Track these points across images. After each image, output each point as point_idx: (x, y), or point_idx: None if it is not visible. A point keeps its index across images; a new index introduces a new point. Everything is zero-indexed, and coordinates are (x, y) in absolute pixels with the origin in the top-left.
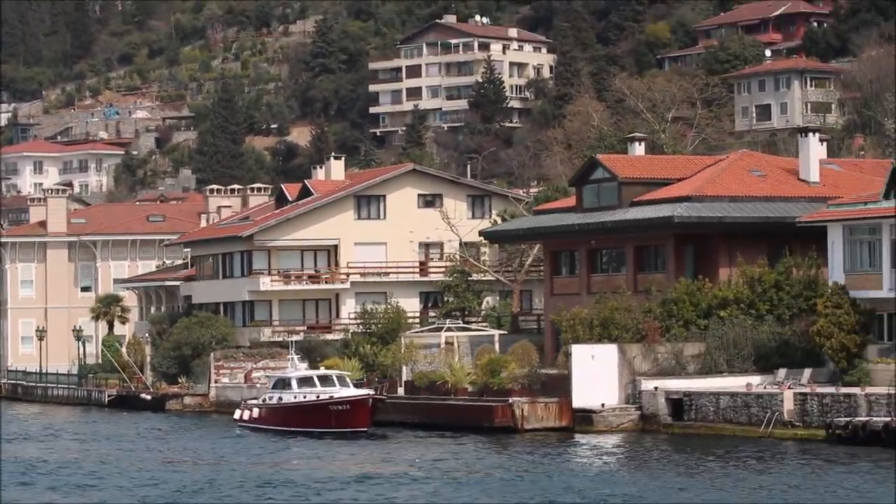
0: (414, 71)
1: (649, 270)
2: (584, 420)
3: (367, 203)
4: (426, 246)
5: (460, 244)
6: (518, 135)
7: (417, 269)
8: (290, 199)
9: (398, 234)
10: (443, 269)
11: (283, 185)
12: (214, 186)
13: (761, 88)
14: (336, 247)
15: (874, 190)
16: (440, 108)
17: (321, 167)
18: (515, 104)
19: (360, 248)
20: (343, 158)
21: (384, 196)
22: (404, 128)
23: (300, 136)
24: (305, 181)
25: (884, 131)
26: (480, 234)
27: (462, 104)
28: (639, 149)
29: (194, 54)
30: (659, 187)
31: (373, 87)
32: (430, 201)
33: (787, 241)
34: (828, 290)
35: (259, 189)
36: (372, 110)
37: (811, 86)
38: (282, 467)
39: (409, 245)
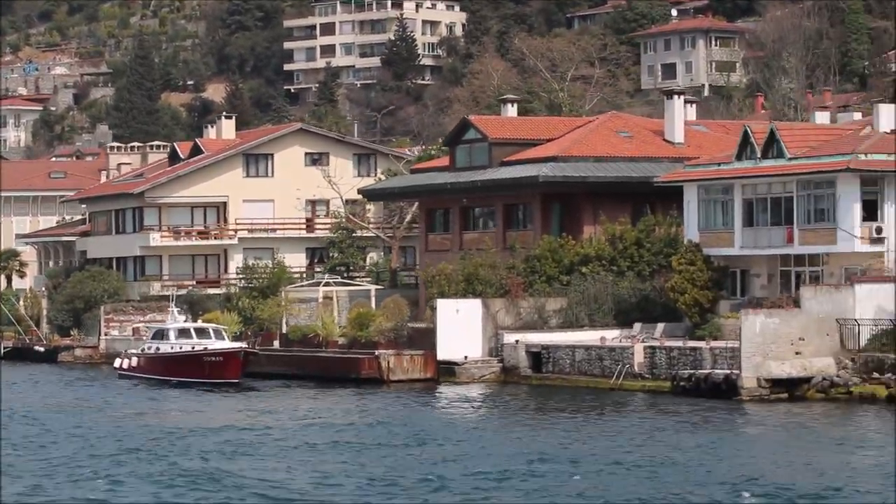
0: (328, 28)
1: (518, 228)
2: (448, 372)
3: (256, 161)
4: (313, 203)
5: (343, 202)
6: (429, 92)
7: (304, 226)
8: (182, 157)
9: (286, 192)
10: (328, 226)
11: (175, 144)
12: (115, 144)
13: (667, 48)
14: (225, 204)
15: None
16: (353, 66)
17: (213, 126)
18: (428, 62)
19: (249, 205)
20: (234, 118)
21: (272, 154)
22: (317, 85)
23: (216, 92)
24: (196, 140)
25: (780, 90)
26: (359, 192)
27: (375, 62)
28: (511, 110)
29: (113, 11)
30: (529, 148)
31: (287, 45)
32: (316, 159)
33: (649, 200)
34: (683, 248)
35: (159, 146)
36: (286, 67)
37: (716, 45)
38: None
39: (296, 202)
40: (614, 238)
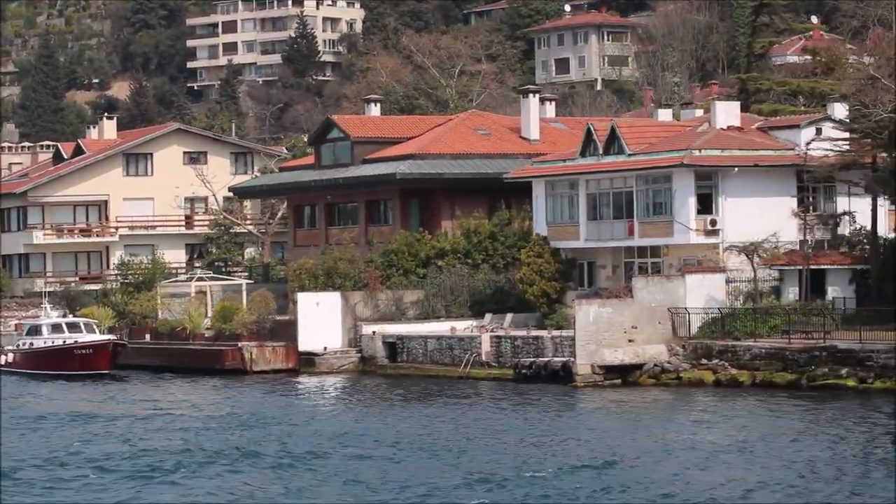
0: (230, 26)
1: (380, 223)
2: (309, 362)
3: (136, 161)
4: (191, 201)
5: (215, 199)
6: (329, 88)
7: (183, 223)
8: (65, 157)
9: (165, 190)
10: (207, 223)
11: (58, 144)
12: (6, 144)
13: (560, 42)
14: (106, 202)
15: None
16: (255, 63)
17: (94, 127)
18: (328, 58)
19: (129, 203)
20: (115, 119)
21: (151, 154)
22: (219, 82)
23: (120, 90)
24: (79, 140)
25: (666, 84)
26: (230, 189)
27: (276, 59)
28: (374, 110)
29: (20, 11)
30: (390, 146)
31: (190, 43)
32: (194, 158)
33: (505, 195)
34: (531, 241)
35: (49, 146)
36: (189, 65)
37: (608, 40)
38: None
39: (175, 200)
40: (469, 232)
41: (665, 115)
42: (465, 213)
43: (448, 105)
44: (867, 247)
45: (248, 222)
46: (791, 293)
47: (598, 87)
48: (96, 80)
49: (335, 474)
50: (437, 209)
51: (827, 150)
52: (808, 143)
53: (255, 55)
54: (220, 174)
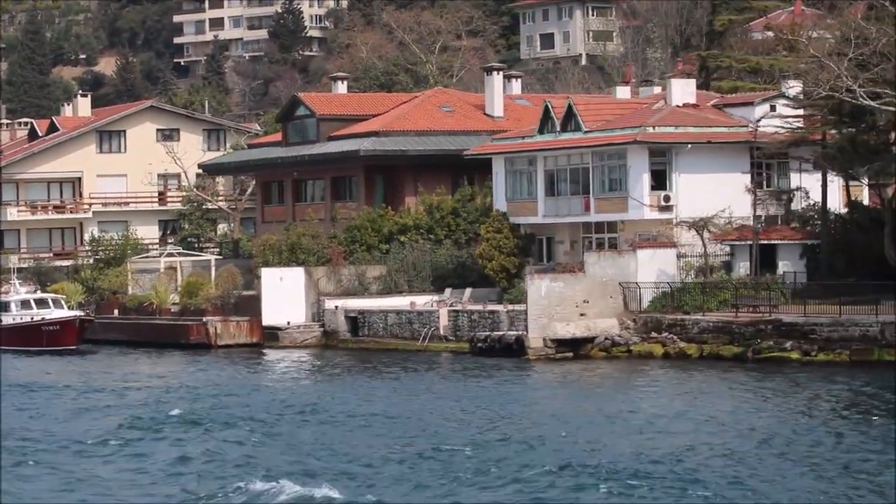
0: (217, 2)
1: (345, 199)
2: (272, 337)
3: (109, 138)
4: (164, 177)
5: (185, 176)
6: (314, 64)
7: (156, 199)
8: (40, 134)
9: (138, 167)
10: (180, 199)
11: (33, 121)
12: None
13: (545, 18)
14: (80, 179)
15: None
16: (241, 39)
17: (69, 104)
18: (315, 34)
19: (103, 179)
20: (89, 96)
21: (124, 131)
22: (205, 57)
23: (107, 66)
24: (53, 118)
25: (647, 60)
26: (199, 166)
27: (263, 34)
28: (341, 87)
29: None
30: (356, 123)
31: (177, 18)
32: (167, 135)
33: (468, 171)
34: (491, 217)
35: (26, 123)
36: (176, 40)
37: (593, 15)
38: None
39: (149, 177)
40: (431, 208)
41: (623, 92)
42: (428, 189)
43: (428, 81)
44: (818, 222)
45: (220, 199)
46: (742, 268)
47: (583, 62)
48: (83, 56)
49: (273, 438)
50: (400, 185)
51: (777, 127)
52: (757, 120)
53: (241, 31)
54: (194, 151)
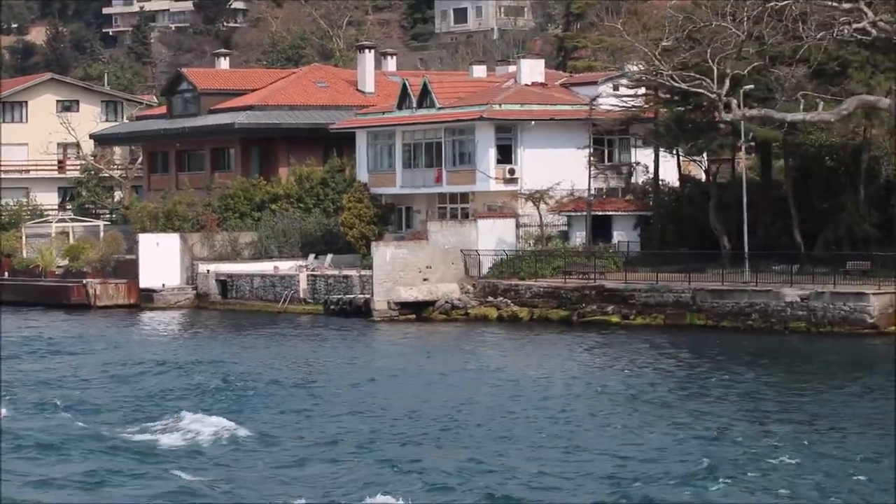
0: None
1: (224, 169)
2: (148, 298)
3: (11, 108)
4: (64, 146)
5: (78, 146)
6: (237, 36)
7: (56, 168)
8: None
9: (39, 136)
10: (78, 168)
11: None
12: None
13: None
14: None
15: None
16: (168, 10)
17: None
18: (240, 5)
19: (5, 148)
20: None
21: (26, 102)
22: (131, 28)
23: (38, 35)
24: None
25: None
26: (90, 136)
27: (188, 5)
28: (224, 63)
29: None
30: (236, 97)
31: None
32: (67, 106)
33: (338, 144)
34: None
35: None
36: (105, 11)
37: None
38: None
39: (49, 146)
40: (301, 178)
41: (480, 71)
42: (300, 161)
43: (334, 55)
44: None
45: (116, 168)
46: (578, 237)
47: (495, 36)
48: (15, 26)
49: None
50: (274, 157)
51: (612, 105)
52: (592, 99)
53: (167, 2)
54: (91, 122)
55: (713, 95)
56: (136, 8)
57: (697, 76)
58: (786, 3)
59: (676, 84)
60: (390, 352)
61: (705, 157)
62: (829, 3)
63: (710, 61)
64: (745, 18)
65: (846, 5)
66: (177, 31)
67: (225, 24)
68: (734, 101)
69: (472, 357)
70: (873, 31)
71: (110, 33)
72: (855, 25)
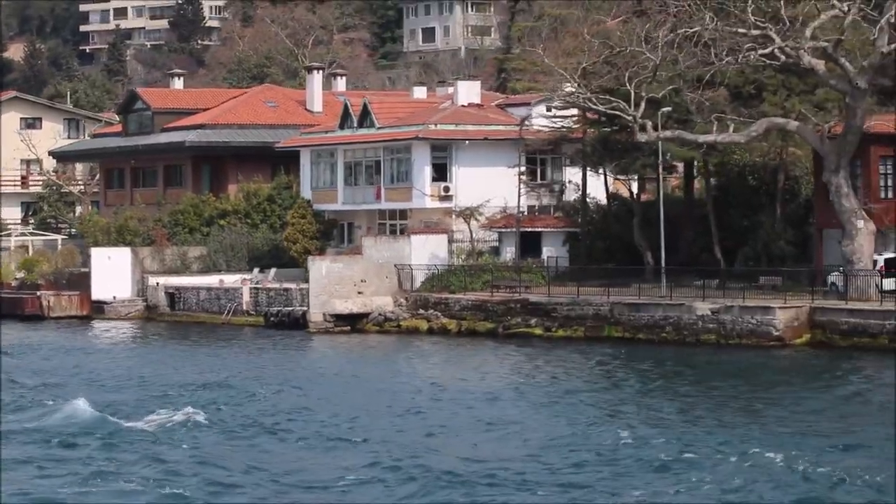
0: None
1: (176, 186)
2: (100, 310)
3: None
4: (28, 162)
5: (39, 162)
6: (209, 54)
7: (19, 183)
8: None
9: (3, 153)
10: (41, 183)
11: None
12: None
13: (427, 12)
14: None
15: None
16: (143, 28)
17: None
18: (214, 24)
19: None
20: None
21: None
22: (108, 46)
23: (16, 52)
24: None
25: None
26: (49, 153)
27: (164, 24)
28: (178, 83)
29: None
30: (188, 116)
31: (83, 7)
32: (31, 123)
33: (286, 162)
34: (296, 204)
35: None
36: (82, 28)
37: (472, 10)
38: None
39: (12, 162)
40: (249, 195)
41: (420, 91)
42: (249, 178)
43: (297, 74)
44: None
45: (77, 183)
46: (509, 252)
47: (462, 55)
48: None
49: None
50: (224, 174)
51: (543, 126)
52: (523, 119)
53: (143, 20)
54: (53, 140)
55: (629, 118)
56: (112, 26)
57: (614, 99)
58: (696, 30)
59: (594, 107)
60: (315, 362)
61: (636, 176)
62: (739, 29)
63: (626, 84)
64: (660, 44)
65: (754, 32)
66: (152, 48)
67: (199, 42)
68: (649, 123)
69: (387, 365)
70: (782, 57)
71: (87, 51)
72: (761, 51)
